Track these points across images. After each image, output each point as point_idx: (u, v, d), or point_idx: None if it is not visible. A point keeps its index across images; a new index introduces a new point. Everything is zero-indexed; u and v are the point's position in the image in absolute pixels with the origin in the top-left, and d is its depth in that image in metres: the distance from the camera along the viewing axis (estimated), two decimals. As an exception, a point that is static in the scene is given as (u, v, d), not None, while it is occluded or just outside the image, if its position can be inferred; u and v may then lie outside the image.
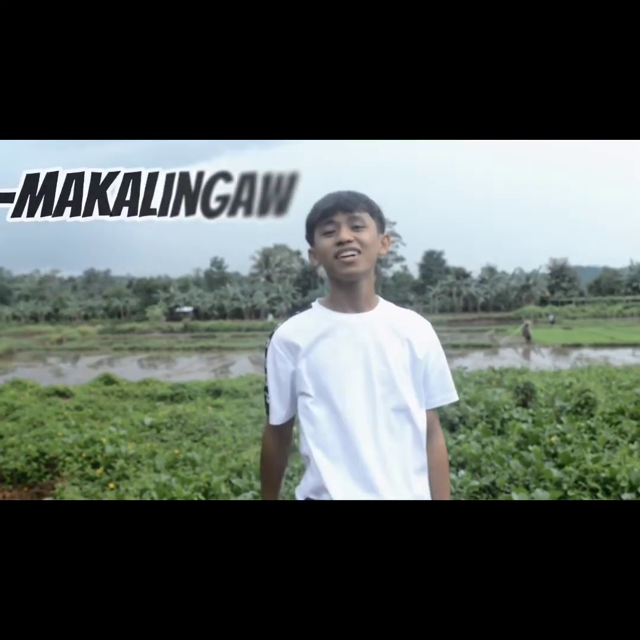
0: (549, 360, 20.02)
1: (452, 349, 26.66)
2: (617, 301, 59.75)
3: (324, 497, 1.54)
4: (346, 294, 1.59)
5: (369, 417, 1.54)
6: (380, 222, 1.61)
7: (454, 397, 1.69)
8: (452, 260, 78.50)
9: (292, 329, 1.65)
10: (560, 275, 70.37)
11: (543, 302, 64.07)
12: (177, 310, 67.32)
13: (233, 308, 69.64)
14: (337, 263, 1.54)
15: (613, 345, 26.14)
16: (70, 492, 4.84)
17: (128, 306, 71.52)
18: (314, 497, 1.57)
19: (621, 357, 20.00)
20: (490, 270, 73.49)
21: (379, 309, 1.64)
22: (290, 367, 1.62)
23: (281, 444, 1.76)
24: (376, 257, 1.60)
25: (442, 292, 69.15)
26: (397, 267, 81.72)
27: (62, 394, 11.69)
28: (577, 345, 26.48)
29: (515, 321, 47.79)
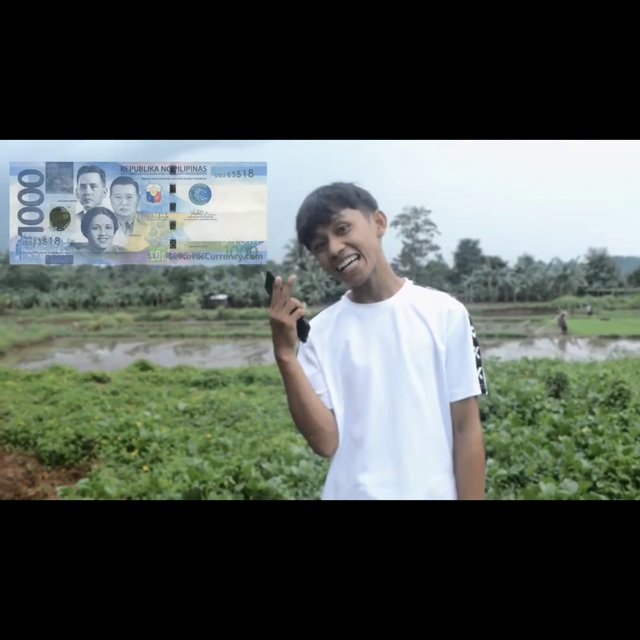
0: (585, 352, 19.69)
1: (486, 339, 26.40)
2: (658, 292, 58.28)
3: (345, 488, 1.56)
4: (360, 288, 1.58)
5: (383, 405, 1.52)
6: (366, 203, 1.53)
7: (474, 391, 1.55)
8: (488, 249, 77.59)
9: (317, 323, 1.64)
10: (599, 266, 68.80)
11: (581, 292, 62.80)
12: (212, 297, 67.75)
13: (267, 296, 69.68)
14: (341, 275, 1.52)
15: (652, 337, 25.57)
16: (105, 473, 4.99)
17: (164, 294, 72.26)
18: (338, 485, 1.59)
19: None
20: (527, 259, 72.20)
21: (401, 294, 1.58)
22: (316, 358, 1.60)
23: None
24: (378, 244, 1.55)
25: (477, 282, 68.23)
26: (431, 256, 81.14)
27: (99, 379, 11.97)
28: (615, 337, 25.98)
29: (552, 312, 46.99)
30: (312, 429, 1.52)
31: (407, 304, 1.56)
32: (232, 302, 68.37)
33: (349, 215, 1.48)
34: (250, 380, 11.46)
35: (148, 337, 35.57)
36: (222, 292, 70.22)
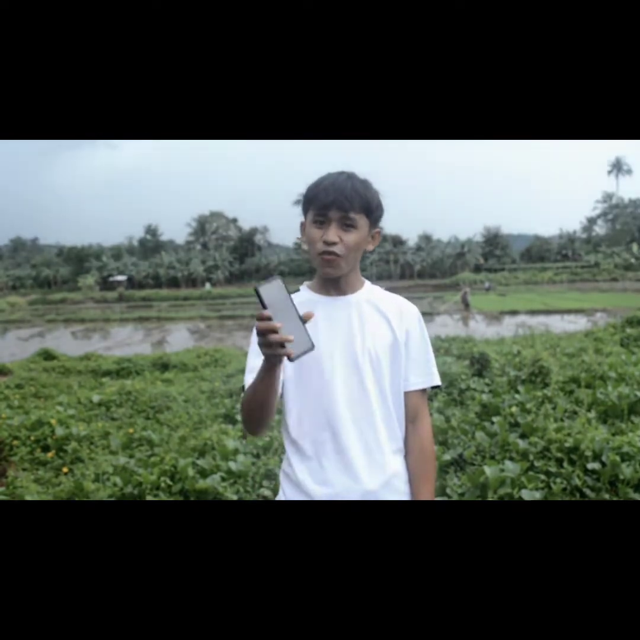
0: (483, 326, 20.44)
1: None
2: (548, 268, 61.57)
3: (301, 487, 1.59)
4: (329, 281, 1.64)
5: (347, 397, 1.58)
6: (376, 219, 1.62)
7: (434, 381, 1.69)
8: (389, 227, 78.86)
9: None
10: (494, 243, 71.80)
11: (477, 269, 65.36)
12: (111, 279, 65.43)
13: (169, 277, 68.08)
14: (318, 260, 1.57)
15: (548, 312, 26.96)
16: (23, 479, 4.57)
17: (59, 276, 68.91)
18: (292, 484, 1.62)
19: (554, 322, 20.66)
20: (426, 238, 74.35)
21: (363, 291, 1.67)
22: None
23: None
24: (361, 254, 1.62)
25: (379, 260, 69.42)
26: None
27: (-1, 371, 11.15)
28: (514, 312, 27.18)
29: (452, 288, 48.65)
30: (267, 414, 1.49)
31: (368, 300, 1.65)
32: (132, 283, 66.28)
33: (361, 221, 1.55)
34: (165, 367, 10.99)
35: (45, 322, 33.72)
36: (121, 273, 67.85)
